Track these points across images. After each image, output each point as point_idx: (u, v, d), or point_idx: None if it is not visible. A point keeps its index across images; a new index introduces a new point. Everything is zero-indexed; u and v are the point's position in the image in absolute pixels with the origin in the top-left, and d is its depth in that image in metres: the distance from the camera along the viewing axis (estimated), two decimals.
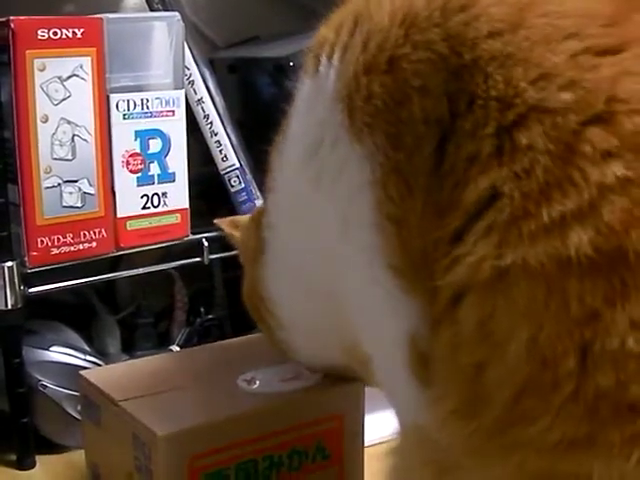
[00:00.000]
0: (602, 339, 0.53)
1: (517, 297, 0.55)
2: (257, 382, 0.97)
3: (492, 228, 0.57)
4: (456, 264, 0.59)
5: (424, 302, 0.64)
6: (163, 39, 1.17)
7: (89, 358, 1.19)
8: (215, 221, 1.05)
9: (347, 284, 0.72)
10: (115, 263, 1.27)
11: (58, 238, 1.11)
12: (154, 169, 1.18)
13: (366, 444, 1.01)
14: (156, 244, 1.21)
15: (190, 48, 1.24)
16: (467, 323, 0.59)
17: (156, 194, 1.18)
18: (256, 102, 1.35)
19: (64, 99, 1.08)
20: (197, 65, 1.25)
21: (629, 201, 0.53)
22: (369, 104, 0.64)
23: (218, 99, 1.27)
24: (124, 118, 1.14)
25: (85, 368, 1.14)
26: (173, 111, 1.18)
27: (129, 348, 1.34)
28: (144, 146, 1.16)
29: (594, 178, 0.54)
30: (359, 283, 0.70)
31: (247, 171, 1.25)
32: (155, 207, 1.18)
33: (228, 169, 1.26)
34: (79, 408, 1.10)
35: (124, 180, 1.16)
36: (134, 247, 1.19)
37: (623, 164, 0.53)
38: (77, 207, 1.12)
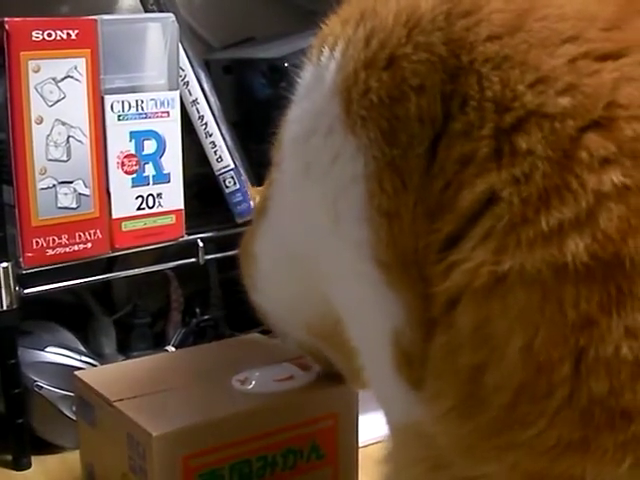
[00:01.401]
0: (597, 346, 0.53)
1: (513, 303, 0.56)
2: (251, 382, 0.98)
3: (490, 234, 0.57)
4: (452, 270, 0.59)
5: (410, 301, 0.64)
6: (158, 40, 1.17)
7: (84, 359, 1.19)
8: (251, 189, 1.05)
9: (333, 274, 0.73)
10: (111, 264, 1.27)
11: (53, 239, 1.11)
12: (149, 170, 1.18)
13: (361, 444, 1.01)
14: (151, 245, 1.21)
15: (185, 49, 1.24)
16: (463, 327, 0.59)
17: (151, 195, 1.18)
18: (251, 103, 1.35)
19: (59, 100, 1.09)
20: (192, 66, 1.25)
21: (626, 209, 0.53)
22: (365, 98, 0.64)
23: (213, 100, 1.27)
24: (119, 119, 1.14)
25: (80, 369, 1.14)
26: (168, 112, 1.18)
27: (125, 349, 1.34)
28: (139, 147, 1.16)
29: (591, 185, 0.54)
30: (346, 275, 0.70)
31: (242, 172, 1.25)
32: (150, 208, 1.18)
33: (223, 170, 1.26)
34: (74, 408, 1.10)
35: (119, 181, 1.16)
36: (129, 248, 1.19)
37: (621, 171, 0.53)
38: (72, 208, 1.12)
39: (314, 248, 0.74)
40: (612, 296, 0.53)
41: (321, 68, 0.69)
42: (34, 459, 1.16)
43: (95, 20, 1.11)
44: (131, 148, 1.16)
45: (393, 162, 0.63)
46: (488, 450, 0.58)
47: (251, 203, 1.22)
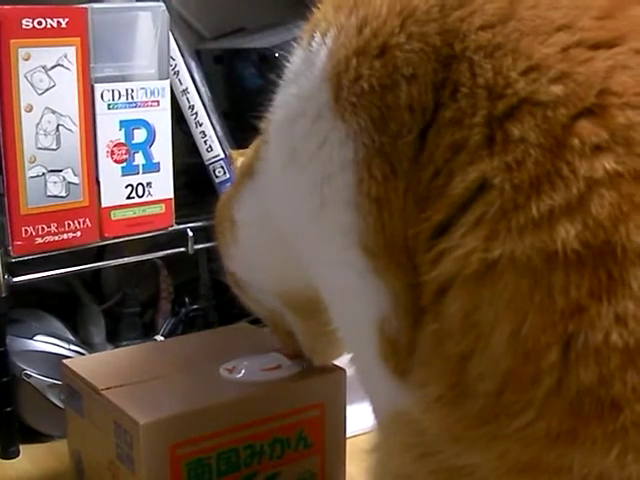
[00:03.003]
0: (586, 332, 0.53)
1: (502, 290, 0.56)
2: (240, 371, 0.98)
3: (481, 221, 0.57)
4: (443, 258, 0.59)
5: (397, 289, 0.64)
6: (148, 29, 1.17)
7: (73, 347, 1.19)
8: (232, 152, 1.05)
9: (318, 259, 0.73)
10: (100, 253, 1.27)
11: (42, 227, 1.11)
12: (139, 159, 1.17)
13: (349, 434, 1.02)
14: (141, 234, 1.20)
15: (176, 39, 1.23)
16: (453, 315, 0.59)
17: (141, 184, 1.18)
18: (242, 93, 1.35)
19: (48, 89, 1.08)
20: (182, 55, 1.25)
21: (618, 196, 0.53)
22: (356, 85, 0.64)
23: (203, 90, 1.27)
24: (109, 108, 1.14)
25: (69, 357, 1.14)
26: (158, 101, 1.18)
27: (114, 338, 1.34)
28: (129, 136, 1.16)
29: (582, 172, 0.54)
30: (330, 262, 0.70)
31: (232, 161, 1.25)
32: (140, 197, 1.18)
33: (213, 159, 1.26)
34: (62, 397, 1.10)
35: (109, 170, 1.15)
36: (119, 237, 1.18)
37: (613, 158, 0.53)
38: (61, 197, 1.12)
39: (298, 232, 0.74)
40: (603, 283, 0.53)
41: (311, 53, 0.69)
42: (22, 448, 1.16)
43: (85, 8, 1.10)
44: (121, 137, 1.16)
45: (382, 149, 0.63)
46: (476, 439, 0.58)
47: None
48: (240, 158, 0.96)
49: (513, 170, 0.56)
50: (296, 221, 0.74)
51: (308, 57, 0.70)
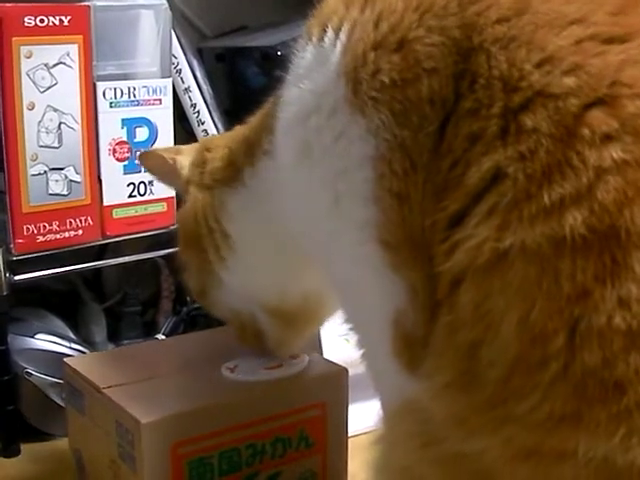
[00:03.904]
0: (590, 315, 0.54)
1: (512, 279, 0.56)
2: (241, 370, 0.98)
3: (494, 211, 0.58)
4: (457, 249, 0.60)
5: (415, 283, 0.64)
6: (150, 27, 1.17)
7: (74, 346, 1.19)
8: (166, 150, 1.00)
9: (330, 255, 0.73)
10: (101, 251, 1.27)
11: (44, 226, 1.11)
12: None
13: (350, 433, 1.01)
14: (142, 232, 1.20)
15: (178, 37, 1.24)
16: (465, 305, 0.59)
17: (142, 182, 1.18)
18: (244, 91, 1.35)
19: (51, 87, 1.08)
20: (185, 54, 1.25)
21: (623, 182, 0.54)
22: (375, 79, 0.64)
23: (205, 88, 1.27)
24: (111, 106, 1.14)
25: (70, 356, 1.14)
26: (160, 99, 1.18)
27: (115, 337, 1.34)
28: (131, 134, 1.16)
29: (592, 161, 0.55)
30: (345, 257, 0.70)
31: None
32: (141, 195, 1.18)
33: None
34: (64, 396, 1.09)
35: (110, 168, 1.15)
36: (120, 235, 1.19)
37: (621, 147, 0.55)
38: (63, 195, 1.12)
39: (309, 230, 0.74)
40: (607, 266, 0.54)
41: (324, 49, 0.69)
42: (23, 446, 1.16)
43: (88, 6, 1.11)
44: (123, 135, 1.16)
45: (404, 144, 0.63)
46: (483, 424, 0.59)
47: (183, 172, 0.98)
48: (179, 157, 0.94)
49: (526, 159, 0.57)
50: (307, 219, 0.74)
51: (320, 53, 0.70)
